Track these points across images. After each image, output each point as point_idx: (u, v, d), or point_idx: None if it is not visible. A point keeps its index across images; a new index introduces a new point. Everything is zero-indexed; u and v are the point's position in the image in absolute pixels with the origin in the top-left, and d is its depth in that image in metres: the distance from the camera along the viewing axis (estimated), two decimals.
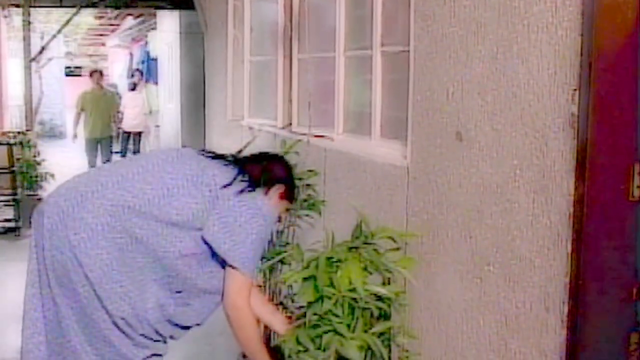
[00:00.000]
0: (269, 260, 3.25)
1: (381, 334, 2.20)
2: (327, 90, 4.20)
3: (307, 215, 3.43)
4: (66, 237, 2.27)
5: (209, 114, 7.44)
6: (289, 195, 2.66)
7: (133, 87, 12.64)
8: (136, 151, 11.49)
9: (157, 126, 13.48)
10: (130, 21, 14.99)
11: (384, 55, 3.54)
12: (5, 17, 12.89)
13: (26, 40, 9.36)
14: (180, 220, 2.34)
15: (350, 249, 2.25)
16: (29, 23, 9.44)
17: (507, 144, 2.31)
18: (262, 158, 2.66)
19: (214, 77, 7.05)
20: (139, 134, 11.86)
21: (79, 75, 26.31)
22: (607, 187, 2.00)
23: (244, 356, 2.78)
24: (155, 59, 14.01)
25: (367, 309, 2.18)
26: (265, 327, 2.98)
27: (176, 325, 2.48)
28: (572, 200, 2.04)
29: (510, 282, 2.30)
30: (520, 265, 2.26)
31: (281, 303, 3.45)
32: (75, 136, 10.31)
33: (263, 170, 2.54)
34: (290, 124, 4.89)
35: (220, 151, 2.69)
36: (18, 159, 7.54)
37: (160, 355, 2.50)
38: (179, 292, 2.41)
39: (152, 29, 13.86)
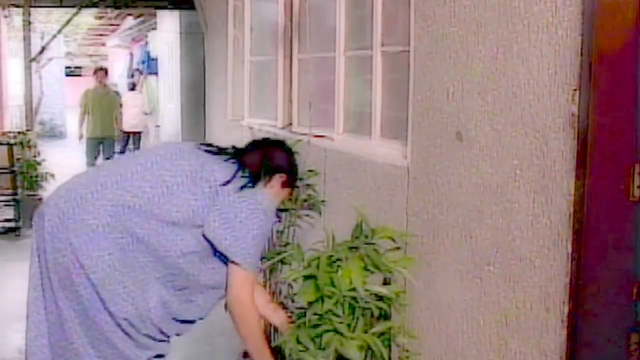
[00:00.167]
0: (269, 260, 3.25)
1: (381, 333, 2.20)
2: (327, 90, 4.20)
3: (307, 215, 3.43)
4: (67, 239, 2.26)
5: (209, 114, 7.44)
6: (291, 182, 2.66)
7: (132, 87, 12.63)
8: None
9: (157, 126, 13.49)
10: (130, 21, 15.01)
11: (384, 55, 3.54)
12: (6, 17, 12.90)
13: (26, 40, 9.36)
14: (180, 218, 2.33)
15: (350, 248, 2.26)
16: (29, 23, 9.44)
17: (507, 144, 2.32)
18: (263, 145, 2.64)
19: (214, 77, 7.05)
20: (139, 134, 11.84)
21: (79, 75, 26.34)
22: (608, 187, 2.00)
23: (244, 356, 2.78)
24: (155, 59, 14.02)
25: (368, 309, 2.19)
26: (266, 327, 2.98)
27: (180, 321, 2.48)
28: (572, 200, 2.04)
29: (510, 282, 2.31)
30: (520, 265, 2.26)
31: (281, 303, 3.46)
32: (81, 136, 10.10)
33: (263, 160, 2.53)
34: (291, 124, 4.89)
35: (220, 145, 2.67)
36: (18, 159, 7.55)
37: (162, 356, 2.50)
38: (182, 289, 2.41)
39: (152, 29, 13.87)
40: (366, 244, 2.28)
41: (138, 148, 11.71)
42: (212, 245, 2.36)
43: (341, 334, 2.11)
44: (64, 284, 2.28)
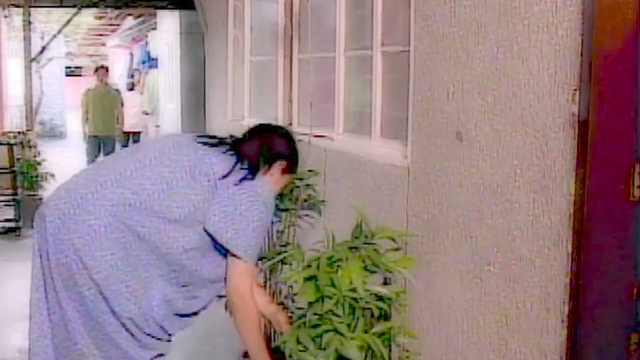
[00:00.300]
0: (269, 260, 3.25)
1: (381, 333, 2.20)
2: (327, 90, 4.20)
3: (307, 216, 3.43)
4: (70, 240, 2.26)
5: (209, 114, 7.44)
6: (292, 168, 2.65)
7: (131, 87, 12.60)
8: None
9: (157, 126, 13.49)
10: (130, 21, 15.01)
11: (384, 55, 3.54)
12: (6, 17, 12.90)
13: (26, 40, 9.36)
14: (181, 214, 2.33)
15: (350, 249, 2.25)
16: (30, 23, 9.44)
17: (507, 144, 2.32)
18: (262, 132, 2.62)
19: (214, 77, 7.05)
20: (138, 134, 11.82)
21: (79, 75, 26.34)
22: (608, 187, 2.00)
23: (244, 356, 2.77)
24: (155, 59, 14.03)
25: (368, 309, 2.18)
26: (266, 328, 2.98)
27: (183, 315, 2.48)
28: (572, 200, 2.04)
29: (510, 282, 2.31)
30: (520, 265, 2.26)
31: (282, 303, 3.46)
32: (85, 138, 9.91)
33: (262, 149, 2.51)
34: (291, 124, 4.89)
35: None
36: (18, 159, 7.54)
37: (163, 355, 2.50)
38: (186, 285, 2.42)
39: (153, 29, 13.87)
40: (366, 244, 2.28)
41: None
42: (213, 239, 2.36)
43: (341, 334, 2.11)
44: (67, 285, 2.28)
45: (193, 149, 2.45)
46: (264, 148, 2.53)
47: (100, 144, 9.80)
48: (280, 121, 4.97)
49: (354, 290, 2.12)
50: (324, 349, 2.11)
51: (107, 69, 10.37)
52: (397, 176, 3.08)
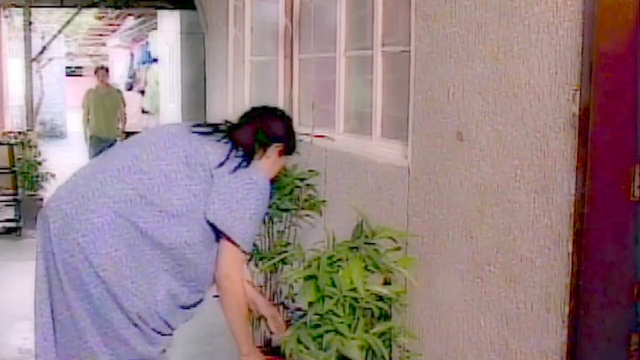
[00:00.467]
0: (269, 260, 3.25)
1: (382, 333, 2.20)
2: (327, 90, 4.20)
3: (307, 215, 3.43)
4: (74, 239, 2.27)
5: (210, 114, 7.44)
6: (289, 149, 2.66)
7: (130, 87, 12.56)
8: None
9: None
10: (131, 21, 15.01)
11: (384, 55, 3.54)
12: (6, 17, 12.90)
13: (27, 40, 9.35)
14: (182, 205, 2.34)
15: (351, 248, 2.25)
16: (30, 23, 9.43)
17: (507, 144, 2.32)
18: (257, 115, 2.63)
19: (215, 77, 7.05)
20: (137, 133, 11.74)
21: (80, 75, 26.34)
22: (608, 187, 2.00)
23: None
24: (156, 59, 14.03)
25: (368, 309, 2.18)
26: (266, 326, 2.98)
27: (187, 307, 2.50)
28: (572, 200, 2.04)
29: (511, 282, 2.31)
30: (521, 265, 2.26)
31: (282, 303, 3.46)
32: (86, 140, 9.69)
33: (257, 133, 2.52)
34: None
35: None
36: (19, 159, 7.54)
37: (165, 350, 2.51)
38: (192, 280, 2.43)
39: (153, 29, 13.87)
40: (367, 244, 2.28)
41: None
42: (214, 229, 2.37)
43: (342, 334, 2.11)
44: (74, 285, 2.28)
45: (187, 139, 2.45)
46: (259, 132, 2.54)
47: (103, 145, 9.74)
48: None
49: (354, 290, 2.12)
50: (325, 349, 2.11)
51: (107, 70, 10.27)
52: (398, 176, 3.08)
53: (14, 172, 7.46)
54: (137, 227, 2.29)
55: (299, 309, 2.73)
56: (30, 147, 7.86)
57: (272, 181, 2.72)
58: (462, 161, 2.58)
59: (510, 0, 2.29)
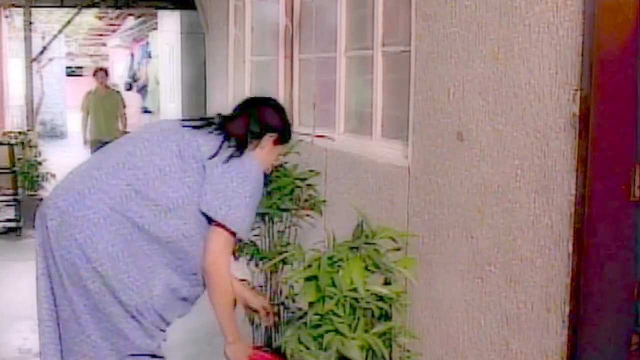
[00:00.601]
0: (270, 260, 3.25)
1: (382, 333, 2.20)
2: (328, 90, 4.20)
3: (308, 215, 3.43)
4: (72, 236, 2.29)
5: (210, 114, 7.44)
6: (284, 139, 2.67)
7: (129, 87, 12.54)
8: None
9: None
10: (131, 21, 15.01)
11: (385, 55, 3.54)
12: (7, 17, 12.90)
13: (27, 40, 9.35)
14: (178, 198, 2.36)
15: (351, 248, 2.25)
16: (30, 23, 9.43)
17: (508, 144, 2.32)
18: (250, 106, 2.64)
19: (215, 77, 7.05)
20: None
21: (80, 76, 26.34)
22: (608, 187, 2.00)
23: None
24: (150, 55, 14.03)
25: (368, 309, 2.18)
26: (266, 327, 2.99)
27: (191, 300, 2.52)
28: (573, 201, 2.04)
29: (511, 282, 2.31)
30: (521, 265, 2.26)
31: (282, 303, 3.45)
32: (85, 142, 9.64)
33: (249, 124, 2.53)
34: (292, 124, 4.89)
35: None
36: (19, 159, 7.54)
37: (159, 345, 2.53)
38: (193, 274, 2.44)
39: (153, 29, 13.87)
40: (367, 244, 2.28)
41: None
42: (210, 220, 2.39)
43: (342, 334, 2.11)
44: (73, 281, 2.31)
45: (180, 133, 2.48)
46: (251, 123, 2.55)
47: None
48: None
49: (354, 290, 2.12)
50: (325, 349, 2.11)
51: (106, 71, 10.13)
52: (398, 176, 3.08)
53: (14, 172, 7.46)
54: (133, 222, 2.31)
55: (299, 309, 2.73)
56: (30, 147, 7.86)
57: (270, 172, 2.75)
58: (462, 161, 2.58)
59: (511, 0, 2.29)
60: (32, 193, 7.62)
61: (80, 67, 26.89)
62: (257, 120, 2.56)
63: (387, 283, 2.26)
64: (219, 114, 2.63)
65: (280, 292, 3.47)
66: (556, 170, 2.10)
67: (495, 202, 2.38)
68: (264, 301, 2.81)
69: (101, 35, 19.74)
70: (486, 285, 2.43)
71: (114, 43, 19.68)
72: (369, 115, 3.64)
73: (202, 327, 2.61)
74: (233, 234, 2.39)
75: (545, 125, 2.15)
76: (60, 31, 11.24)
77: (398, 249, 2.41)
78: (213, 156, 2.39)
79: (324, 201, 3.48)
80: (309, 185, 3.40)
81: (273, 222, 3.39)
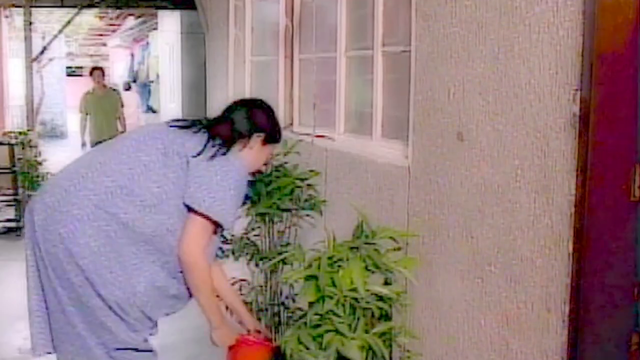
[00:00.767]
0: (270, 260, 3.25)
1: (382, 334, 2.20)
2: (328, 90, 4.20)
3: (308, 215, 3.43)
4: (56, 230, 2.35)
5: (210, 114, 7.43)
6: (272, 138, 2.71)
7: (128, 87, 12.52)
8: None
9: None
10: (131, 21, 15.02)
11: (385, 55, 3.54)
12: (7, 17, 12.91)
13: (27, 40, 9.36)
14: (162, 193, 2.39)
15: (351, 249, 2.25)
16: (30, 23, 9.44)
17: (508, 144, 2.32)
18: (236, 107, 2.68)
19: (215, 77, 7.04)
20: None
21: (80, 75, 26.34)
22: (608, 187, 2.00)
23: None
24: (155, 60, 14.04)
25: (368, 309, 2.18)
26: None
27: (181, 298, 2.54)
28: (573, 201, 2.04)
29: (511, 282, 2.30)
30: (521, 265, 2.26)
31: (282, 303, 3.45)
32: (84, 144, 9.51)
33: (234, 124, 2.58)
34: (292, 124, 4.89)
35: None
36: (19, 159, 7.54)
37: (147, 340, 2.54)
38: (180, 271, 2.46)
39: (154, 29, 13.88)
40: (367, 244, 2.28)
41: None
42: (193, 212, 2.41)
43: (342, 334, 2.11)
44: (57, 274, 2.37)
45: (166, 133, 2.53)
46: (237, 122, 2.60)
47: None
48: (281, 121, 4.96)
49: (354, 290, 2.12)
50: (325, 349, 2.11)
51: (102, 70, 9.83)
52: (398, 176, 3.08)
53: (14, 172, 7.46)
54: (118, 218, 2.36)
55: (299, 309, 2.73)
56: (30, 147, 7.86)
57: (266, 170, 2.77)
58: (462, 161, 2.58)
59: (511, 0, 2.28)
60: (32, 193, 7.58)
61: (81, 67, 26.89)
62: (243, 121, 2.60)
63: (387, 283, 2.26)
64: (206, 118, 2.69)
65: (280, 292, 3.47)
66: (556, 170, 2.10)
67: (496, 202, 2.38)
68: (256, 323, 2.85)
69: (101, 35, 19.74)
70: (486, 285, 2.43)
71: (114, 43, 19.69)
72: (369, 115, 3.64)
73: (202, 328, 2.61)
74: (215, 224, 2.42)
75: (545, 125, 2.15)
76: (60, 31, 11.25)
77: (398, 249, 2.41)
78: (198, 154, 2.43)
79: (324, 201, 3.48)
80: (309, 185, 3.40)
81: (273, 222, 3.39)
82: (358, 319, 2.15)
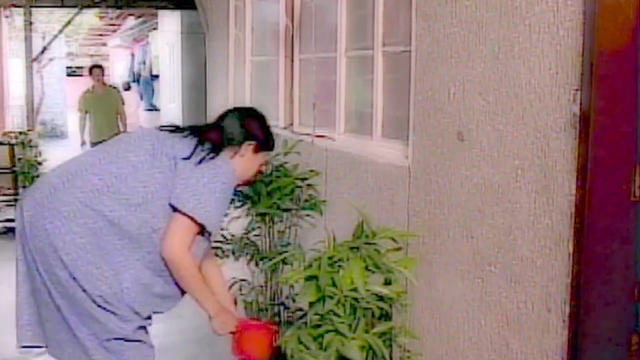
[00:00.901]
0: (270, 260, 3.25)
1: (382, 334, 2.20)
2: (328, 90, 4.20)
3: (308, 215, 3.43)
4: (43, 226, 2.40)
5: (211, 114, 7.44)
6: (264, 146, 2.72)
7: (128, 87, 12.51)
8: None
9: None
10: (131, 21, 15.02)
11: (385, 55, 3.54)
12: (7, 17, 12.91)
13: (27, 40, 9.36)
14: (148, 193, 2.42)
15: (351, 249, 2.25)
16: (31, 23, 9.44)
17: (508, 144, 2.32)
18: (227, 116, 2.71)
19: (216, 77, 7.05)
20: None
21: (81, 75, 26.35)
22: (609, 187, 2.00)
23: None
24: (156, 59, 14.05)
25: (369, 309, 2.18)
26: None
27: (166, 297, 2.55)
28: (573, 201, 2.04)
29: (511, 282, 2.30)
30: (521, 266, 2.26)
31: (282, 303, 3.46)
32: (83, 143, 9.31)
33: (224, 131, 2.61)
34: (292, 124, 4.89)
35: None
36: (19, 159, 7.53)
37: (144, 327, 2.54)
38: (164, 269, 2.48)
39: (154, 29, 13.88)
40: (367, 244, 2.28)
41: None
42: (179, 213, 2.43)
43: (342, 334, 2.11)
44: (45, 268, 2.41)
45: (155, 136, 2.58)
46: (228, 128, 2.63)
47: None
48: (281, 121, 4.97)
49: (355, 290, 2.12)
50: (325, 349, 2.11)
51: (102, 68, 9.55)
52: (398, 176, 3.08)
53: (14, 172, 7.46)
54: (104, 216, 2.39)
55: (299, 309, 2.74)
56: (30, 147, 7.85)
57: (250, 182, 2.80)
58: (462, 161, 2.58)
59: (511, 0, 2.28)
60: None
61: (81, 67, 26.87)
62: (235, 128, 2.64)
63: (387, 283, 2.26)
64: (196, 125, 2.71)
65: (281, 292, 3.48)
66: (556, 170, 2.10)
67: (496, 202, 2.38)
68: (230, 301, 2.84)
69: (101, 35, 19.75)
70: (486, 285, 2.43)
71: (114, 43, 19.70)
72: (369, 115, 3.64)
73: (202, 328, 2.61)
74: (200, 225, 2.44)
75: (545, 125, 2.15)
76: (60, 31, 11.25)
77: (398, 249, 2.41)
78: (187, 158, 2.46)
79: (324, 201, 3.48)
80: (309, 185, 3.40)
81: (273, 222, 3.39)
82: (358, 319, 2.15)
